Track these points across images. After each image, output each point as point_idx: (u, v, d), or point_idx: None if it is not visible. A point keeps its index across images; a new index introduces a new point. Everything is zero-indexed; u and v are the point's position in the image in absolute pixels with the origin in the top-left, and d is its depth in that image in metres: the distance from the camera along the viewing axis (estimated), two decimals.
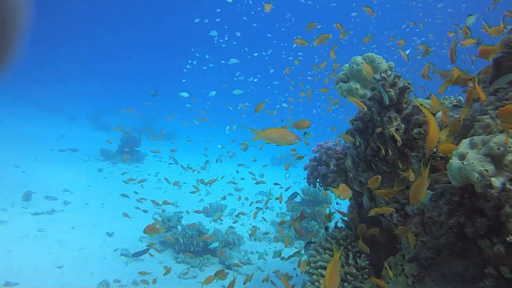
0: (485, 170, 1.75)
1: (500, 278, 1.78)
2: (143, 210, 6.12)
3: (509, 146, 1.72)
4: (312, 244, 3.25)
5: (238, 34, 11.42)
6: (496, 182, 1.71)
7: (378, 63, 2.66)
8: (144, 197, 6.32)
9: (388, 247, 2.81)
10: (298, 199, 7.48)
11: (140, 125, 15.88)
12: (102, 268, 4.43)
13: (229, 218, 7.62)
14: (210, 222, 6.95)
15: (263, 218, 7.25)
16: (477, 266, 2.02)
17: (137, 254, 4.58)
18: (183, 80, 11.71)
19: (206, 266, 5.13)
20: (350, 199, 3.45)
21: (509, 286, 1.74)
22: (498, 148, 1.75)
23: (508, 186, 1.69)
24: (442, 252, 2.30)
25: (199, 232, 5.46)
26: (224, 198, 6.61)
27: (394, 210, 2.54)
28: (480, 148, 1.87)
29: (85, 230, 5.43)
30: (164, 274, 4.21)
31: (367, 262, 2.83)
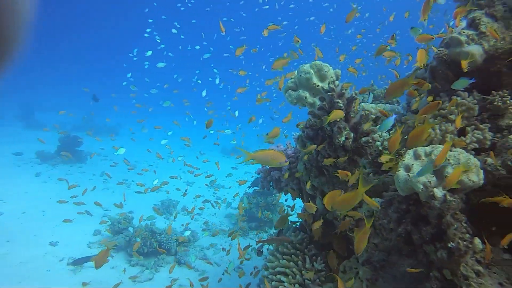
0: (428, 181, 1.86)
1: (443, 280, 1.91)
2: (86, 212, 5.69)
3: (448, 159, 1.83)
4: (268, 250, 3.29)
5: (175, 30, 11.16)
6: (438, 193, 1.82)
7: (326, 71, 2.71)
8: (92, 199, 5.98)
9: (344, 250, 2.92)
10: (251, 190, 7.55)
11: (79, 121, 14.96)
12: (47, 281, 4.16)
13: (182, 214, 7.53)
14: (168, 222, 6.82)
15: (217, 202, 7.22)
16: (424, 266, 2.15)
17: (79, 262, 4.38)
18: (128, 75, 11.24)
19: (161, 266, 5.04)
20: (303, 200, 3.54)
21: (451, 287, 1.87)
22: None
23: (448, 197, 1.80)
24: (392, 253, 2.43)
25: (152, 232, 5.33)
26: (185, 194, 6.48)
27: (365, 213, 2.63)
28: (423, 159, 1.97)
29: (23, 242, 5.02)
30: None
31: (323, 265, 2.92)
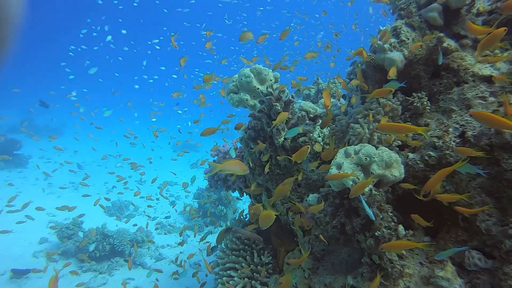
0: (357, 178, 2.05)
1: (373, 265, 2.13)
2: (26, 217, 5.34)
3: (374, 157, 2.04)
4: (218, 246, 3.40)
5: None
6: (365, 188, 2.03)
7: (265, 74, 2.83)
8: (35, 205, 5.67)
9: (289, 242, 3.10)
10: (203, 186, 7.61)
11: (17, 123, 14.03)
12: None
13: (135, 214, 7.41)
14: (119, 223, 6.69)
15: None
16: (358, 252, 2.38)
17: (19, 274, 4.22)
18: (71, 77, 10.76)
19: (115, 269, 4.97)
20: (250, 197, 3.68)
21: (381, 270, 2.09)
22: (365, 158, 2.06)
23: (373, 191, 2.01)
24: (331, 242, 2.64)
25: (103, 236, 5.23)
26: (138, 193, 6.36)
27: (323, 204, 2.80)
28: (352, 157, 2.17)
29: None
30: None
31: (270, 258, 3.08)
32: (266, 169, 2.77)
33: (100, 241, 5.11)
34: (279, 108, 2.53)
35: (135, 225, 6.26)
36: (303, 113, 2.71)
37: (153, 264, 5.19)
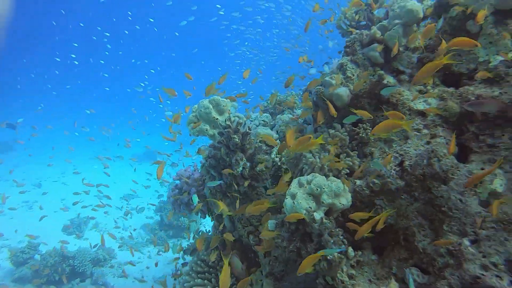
0: (309, 207, 2.25)
1: (327, 285, 2.33)
2: None
3: (324, 188, 2.25)
4: (184, 268, 3.49)
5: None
6: (317, 216, 2.22)
7: (223, 106, 2.99)
8: None
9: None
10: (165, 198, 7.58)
11: None
12: None
13: (95, 231, 7.24)
14: (79, 242, 6.50)
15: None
16: (313, 273, 2.57)
17: None
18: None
19: None
20: (212, 220, 3.80)
21: None
22: (316, 189, 2.26)
23: (324, 220, 2.21)
24: (289, 264, 2.82)
25: (63, 258, 5.08)
26: (102, 206, 6.21)
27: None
28: (305, 187, 2.37)
29: None
30: None
31: (234, 279, 3.21)
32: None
33: (59, 263, 4.97)
34: (237, 140, 2.69)
35: (95, 245, 6.15)
36: (259, 144, 2.89)
37: (116, 283, 5.13)
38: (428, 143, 2.43)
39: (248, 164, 2.80)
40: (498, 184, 2.10)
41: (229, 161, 2.81)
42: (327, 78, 2.70)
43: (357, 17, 4.99)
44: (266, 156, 2.84)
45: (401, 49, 2.87)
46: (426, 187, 2.23)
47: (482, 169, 2.22)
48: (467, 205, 2.10)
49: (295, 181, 2.42)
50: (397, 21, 2.78)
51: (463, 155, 2.46)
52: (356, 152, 2.66)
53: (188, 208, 3.70)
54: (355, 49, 2.88)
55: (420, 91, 2.71)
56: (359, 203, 2.50)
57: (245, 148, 2.82)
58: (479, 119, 2.45)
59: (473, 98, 2.48)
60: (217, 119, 2.98)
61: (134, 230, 7.33)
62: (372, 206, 2.46)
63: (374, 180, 2.42)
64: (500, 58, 2.55)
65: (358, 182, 2.51)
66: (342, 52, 2.95)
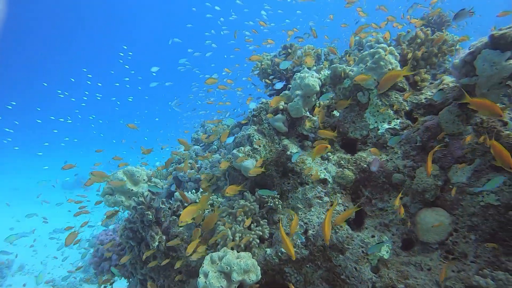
0: (220, 286, 2.33)
1: None
2: None
3: (233, 266, 2.34)
4: None
5: None
6: None
7: (138, 176, 2.99)
8: None
9: None
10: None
11: None
12: None
13: (20, 274, 6.60)
14: None
15: None
16: None
17: None
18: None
19: None
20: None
21: None
22: (226, 268, 2.35)
23: None
24: None
25: None
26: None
27: None
28: (217, 264, 2.45)
29: None
30: None
31: None
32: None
33: None
34: (151, 217, 2.71)
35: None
36: (174, 217, 2.93)
37: None
38: (328, 210, 2.64)
39: (164, 237, 2.82)
40: (385, 252, 2.35)
41: (145, 236, 2.81)
42: (234, 151, 2.84)
43: (271, 64, 5.27)
44: (181, 228, 2.88)
45: (304, 113, 3.10)
46: (326, 256, 2.42)
47: (373, 236, 2.47)
48: (361, 272, 2.32)
49: (207, 258, 2.49)
50: (298, 92, 3.01)
51: (359, 218, 2.71)
52: (266, 220, 2.81)
53: (106, 268, 3.60)
54: (261, 119, 3.06)
55: (322, 157, 2.94)
56: (271, 271, 2.63)
57: (161, 221, 2.85)
58: (371, 184, 2.73)
59: (365, 166, 2.76)
60: (132, 190, 2.97)
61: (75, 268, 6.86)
62: (282, 273, 2.60)
63: (282, 249, 2.57)
64: (386, 126, 2.86)
65: (268, 251, 2.64)
66: (250, 121, 3.12)
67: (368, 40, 6.60)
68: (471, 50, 2.30)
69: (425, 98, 2.90)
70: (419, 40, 3.13)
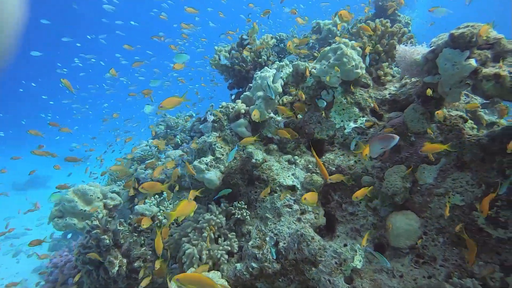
0: None
1: None
2: None
3: None
4: None
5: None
6: None
7: (91, 195, 2.73)
8: None
9: None
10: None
11: None
12: None
13: None
14: None
15: None
16: None
17: None
18: None
19: None
20: None
21: None
22: None
23: None
24: None
25: None
26: None
27: None
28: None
29: None
30: None
31: None
32: None
33: None
34: (108, 242, 2.48)
35: None
36: (135, 238, 2.70)
37: None
38: (298, 219, 2.53)
39: (125, 260, 2.60)
40: (357, 261, 2.27)
41: (104, 261, 2.58)
42: (196, 163, 2.64)
43: (229, 57, 5.05)
44: (143, 249, 2.67)
45: (267, 116, 2.94)
46: (299, 270, 2.31)
47: (345, 245, 2.38)
48: (335, 284, 2.23)
49: (173, 284, 2.31)
50: (259, 93, 2.84)
51: (330, 225, 2.62)
52: (234, 233, 2.66)
53: None
54: (223, 125, 2.87)
55: (288, 161, 2.81)
56: (242, 287, 2.49)
57: (119, 243, 2.62)
58: (341, 188, 2.64)
59: (333, 169, 2.66)
60: (85, 210, 2.71)
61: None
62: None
63: (253, 264, 2.43)
64: (352, 125, 2.77)
65: (238, 266, 2.50)
66: (211, 127, 2.92)
67: (325, 23, 6.51)
68: (432, 47, 2.22)
69: (389, 94, 2.82)
70: (379, 32, 3.03)
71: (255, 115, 2.60)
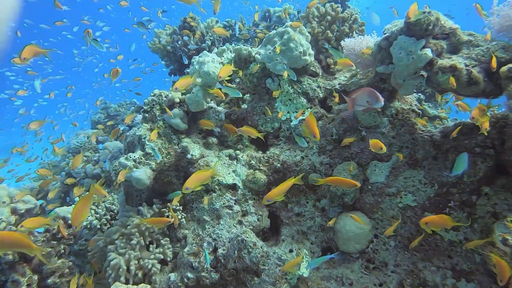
0: None
1: None
2: None
3: None
4: None
5: None
6: None
7: None
8: None
9: None
10: None
11: None
12: None
13: None
14: None
15: None
16: None
17: None
18: None
19: None
20: None
21: None
22: None
23: None
24: None
25: None
26: None
27: None
28: None
29: None
30: None
31: None
32: None
33: None
34: (11, 257, 2.06)
35: None
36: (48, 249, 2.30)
37: None
38: (239, 222, 2.27)
39: (36, 277, 2.20)
40: (304, 269, 2.07)
41: (6, 281, 2.16)
42: (122, 160, 2.27)
43: (171, 41, 4.63)
44: (59, 262, 2.28)
45: (206, 106, 2.63)
46: (240, 280, 2.06)
47: (291, 250, 2.17)
48: None
49: None
50: (197, 80, 2.51)
51: (274, 226, 2.39)
52: (168, 239, 2.34)
53: None
54: (155, 115, 2.51)
55: (229, 156, 2.53)
56: None
57: (29, 256, 2.21)
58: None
59: (279, 165, 2.42)
60: None
61: None
62: None
63: (188, 274, 2.15)
64: (300, 117, 2.54)
65: (172, 277, 2.20)
66: (141, 117, 2.54)
67: (275, 10, 6.25)
68: (386, 35, 2.03)
69: (339, 84, 2.63)
70: (329, 18, 2.81)
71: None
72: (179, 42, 4.47)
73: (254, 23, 5.98)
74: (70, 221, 2.71)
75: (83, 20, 6.33)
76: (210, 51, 4.48)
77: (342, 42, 2.39)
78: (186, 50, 4.51)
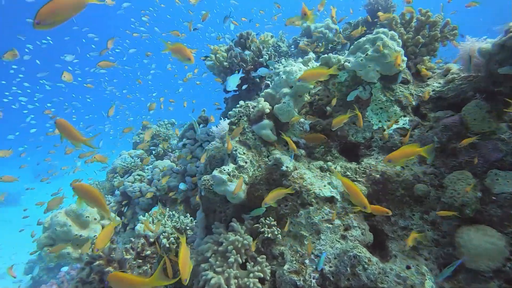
0: None
1: None
2: None
3: None
4: None
5: None
6: None
7: (87, 216, 2.25)
8: None
9: None
10: None
11: None
12: None
13: None
14: None
15: None
16: None
17: None
18: None
19: None
20: None
21: None
22: None
23: None
24: None
25: None
26: None
27: None
28: None
29: None
30: None
31: None
32: None
33: None
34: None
35: None
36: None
37: None
38: (343, 237, 2.13)
39: None
40: (429, 287, 1.89)
41: None
42: (216, 173, 2.20)
43: (227, 56, 4.64)
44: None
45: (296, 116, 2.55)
46: None
47: (408, 267, 1.99)
48: None
49: None
50: (286, 90, 2.44)
51: (377, 242, 2.23)
52: (264, 256, 2.22)
53: None
54: (244, 128, 2.45)
55: (321, 168, 2.42)
56: None
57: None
58: (387, 198, 2.27)
59: (378, 176, 2.28)
60: (81, 236, 2.22)
61: None
62: None
63: None
64: (394, 126, 2.41)
65: None
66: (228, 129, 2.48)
67: (317, 26, 6.21)
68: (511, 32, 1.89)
69: (432, 91, 2.49)
70: (414, 23, 2.70)
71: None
72: (238, 57, 4.46)
73: (294, 40, 5.98)
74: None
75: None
76: (267, 66, 4.46)
77: (462, 42, 2.24)
78: (244, 65, 4.50)
